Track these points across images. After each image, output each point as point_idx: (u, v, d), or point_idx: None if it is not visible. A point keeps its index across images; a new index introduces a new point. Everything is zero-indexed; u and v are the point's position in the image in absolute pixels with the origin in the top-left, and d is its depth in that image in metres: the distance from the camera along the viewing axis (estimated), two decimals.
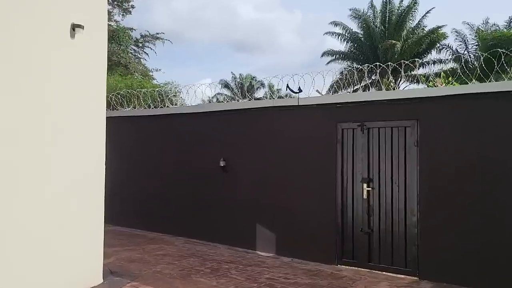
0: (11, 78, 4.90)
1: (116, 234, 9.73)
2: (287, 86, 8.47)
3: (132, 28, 32.15)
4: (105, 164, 6.25)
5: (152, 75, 33.67)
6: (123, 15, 32.93)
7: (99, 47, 6.26)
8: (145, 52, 34.91)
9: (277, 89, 22.68)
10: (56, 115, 5.43)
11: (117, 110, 11.15)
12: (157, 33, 34.03)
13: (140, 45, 34.47)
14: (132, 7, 32.94)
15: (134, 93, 10.78)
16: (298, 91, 8.30)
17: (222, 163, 9.01)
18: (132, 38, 31.99)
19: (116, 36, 30.15)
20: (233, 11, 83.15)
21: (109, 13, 32.65)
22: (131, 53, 32.88)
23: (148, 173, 10.49)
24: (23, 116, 5.02)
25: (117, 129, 10.15)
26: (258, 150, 8.72)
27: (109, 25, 32.74)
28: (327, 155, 7.78)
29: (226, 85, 44.11)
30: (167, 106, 10.65)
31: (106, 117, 6.30)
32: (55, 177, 5.44)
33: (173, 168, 10.04)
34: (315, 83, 8.36)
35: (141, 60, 34.70)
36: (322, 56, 34.92)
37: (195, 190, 9.62)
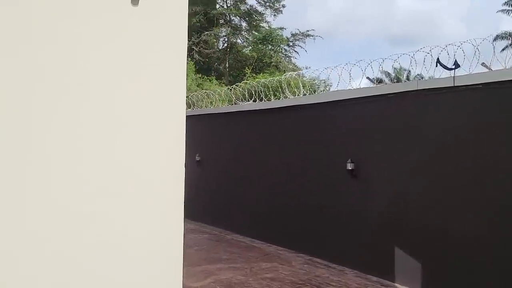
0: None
1: (229, 246, 8.51)
2: (438, 61, 6.12)
3: (282, 28, 31.70)
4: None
5: (302, 73, 32.89)
6: (274, 15, 32.76)
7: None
8: (295, 51, 34.27)
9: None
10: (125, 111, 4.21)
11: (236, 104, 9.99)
12: (308, 31, 33.01)
13: (291, 44, 33.93)
14: (283, 6, 32.54)
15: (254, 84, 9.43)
16: (453, 67, 5.91)
17: (349, 166, 7.05)
18: (283, 38, 31.62)
19: (269, 38, 30.10)
20: (391, 4, 77.87)
21: (261, 14, 32.78)
22: (281, 52, 32.54)
23: (258, 177, 9.07)
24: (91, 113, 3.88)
25: (224, 127, 8.96)
26: (397, 149, 6.55)
27: (261, 27, 33.11)
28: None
29: (380, 81, 40.83)
30: (281, 98, 9.06)
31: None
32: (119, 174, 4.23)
33: (289, 171, 8.42)
34: (482, 56, 5.87)
35: (291, 59, 34.15)
36: (495, 40, 29.50)
37: (316, 199, 7.84)
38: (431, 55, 6.48)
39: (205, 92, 11.09)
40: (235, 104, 10.13)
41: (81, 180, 2.06)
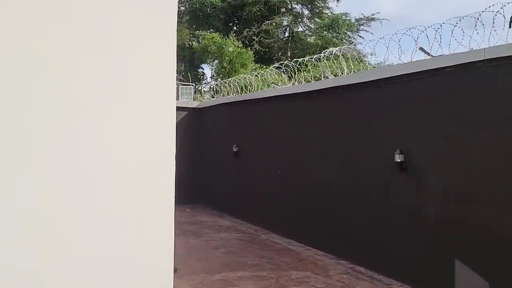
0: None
1: (261, 248, 7.49)
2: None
3: (346, 13, 30.01)
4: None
5: (367, 60, 31.08)
6: (337, 0, 31.09)
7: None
8: (360, 36, 32.40)
9: None
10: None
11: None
12: (372, 14, 30.97)
13: (355, 29, 32.11)
14: None
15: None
16: None
17: (398, 158, 5.75)
18: (351, 23, 29.98)
19: (335, 24, 28.72)
20: None
21: (324, 0, 31.21)
22: (345, 39, 30.88)
23: (296, 170, 7.93)
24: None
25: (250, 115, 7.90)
26: (457, 137, 5.18)
27: (324, 13, 31.59)
28: None
29: None
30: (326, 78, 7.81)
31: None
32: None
33: (329, 164, 7.22)
34: None
35: (356, 45, 32.32)
36: None
37: (360, 197, 6.60)
38: (503, 15, 5.02)
39: (244, 76, 10.08)
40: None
41: (60, 177, 1.78)
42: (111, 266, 1.82)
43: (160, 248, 1.91)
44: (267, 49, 29.02)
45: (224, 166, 10.78)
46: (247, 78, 9.83)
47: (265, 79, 9.31)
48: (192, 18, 28.05)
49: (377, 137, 6.30)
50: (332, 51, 7.40)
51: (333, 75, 7.54)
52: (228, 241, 7.85)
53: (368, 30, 31.45)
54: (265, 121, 9.24)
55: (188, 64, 25.82)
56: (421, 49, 5.73)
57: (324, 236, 7.35)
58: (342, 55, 7.41)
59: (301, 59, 8.17)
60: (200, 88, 11.81)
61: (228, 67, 17.85)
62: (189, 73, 18.75)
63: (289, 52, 30.13)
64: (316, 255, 7.15)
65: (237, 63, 17.88)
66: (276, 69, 10.00)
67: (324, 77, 7.72)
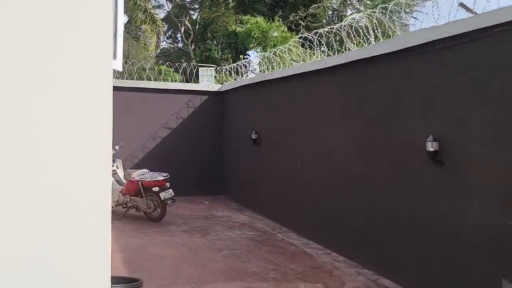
0: None
1: (272, 251, 6.44)
2: None
3: None
4: None
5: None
6: None
7: None
8: (414, 17, 30.13)
9: None
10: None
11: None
12: None
13: (408, 10, 29.89)
14: None
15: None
16: None
17: (430, 146, 4.49)
18: (406, 1, 27.86)
19: (387, 3, 26.90)
20: None
21: None
22: (397, 21, 28.80)
23: (316, 160, 6.78)
24: None
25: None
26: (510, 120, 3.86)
27: None
28: None
29: None
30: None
31: None
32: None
33: (351, 153, 6.03)
34: None
35: (409, 27, 30.15)
36: None
37: (386, 194, 5.38)
38: None
39: (264, 54, 8.97)
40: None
41: None
42: (33, 272, 1.58)
43: (92, 253, 1.64)
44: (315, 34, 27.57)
45: (244, 155, 9.78)
46: (266, 55, 8.72)
47: (284, 56, 8.16)
48: (238, 4, 27.14)
49: (406, 120, 5.04)
50: (355, 18, 6.12)
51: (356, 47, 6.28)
52: (236, 241, 6.86)
53: (421, 11, 29.13)
54: (283, 104, 8.12)
55: (234, 51, 24.96)
56: (461, 4, 4.39)
57: (345, 238, 6.19)
58: (369, 22, 6.11)
59: (322, 30, 6.94)
60: (221, 69, 10.74)
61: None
62: (231, 60, 17.85)
63: (337, 36, 28.54)
64: (335, 261, 6.02)
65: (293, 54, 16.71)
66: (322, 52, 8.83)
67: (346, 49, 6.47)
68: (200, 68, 11.16)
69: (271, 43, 17.38)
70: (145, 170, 8.21)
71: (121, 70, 4.00)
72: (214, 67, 11.15)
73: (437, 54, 4.64)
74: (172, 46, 43.44)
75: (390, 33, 5.86)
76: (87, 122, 1.74)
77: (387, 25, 5.50)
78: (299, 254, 6.35)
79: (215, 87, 10.99)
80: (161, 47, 42.77)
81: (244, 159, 9.82)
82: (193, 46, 39.58)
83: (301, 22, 26.34)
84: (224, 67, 10.86)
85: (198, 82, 11.35)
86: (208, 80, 11.01)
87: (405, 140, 5.00)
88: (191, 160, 10.86)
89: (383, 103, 5.45)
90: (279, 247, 6.68)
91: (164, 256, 5.94)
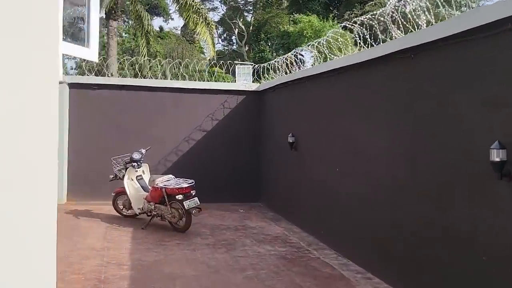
0: None
1: (302, 273, 5.57)
2: None
3: None
4: None
5: None
6: None
7: None
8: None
9: None
10: None
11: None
12: None
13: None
14: None
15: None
16: None
17: (495, 155, 3.46)
18: None
19: None
20: None
21: None
22: (460, 10, 26.88)
23: (362, 168, 5.82)
24: None
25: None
26: None
27: None
28: None
29: None
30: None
31: None
32: None
33: (398, 159, 5.04)
34: None
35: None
36: None
37: (445, 213, 4.36)
38: None
39: (301, 49, 8.11)
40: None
41: None
42: None
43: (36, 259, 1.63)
44: (371, 31, 26.36)
45: (281, 160, 8.94)
46: (303, 50, 7.86)
47: (322, 48, 7.25)
48: (292, 3, 26.48)
49: (464, 122, 4.01)
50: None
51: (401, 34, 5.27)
52: (264, 259, 6.05)
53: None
54: (321, 104, 7.22)
55: (287, 51, 24.31)
56: None
57: (390, 260, 5.21)
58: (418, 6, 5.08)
59: (364, 17, 5.99)
60: (260, 67, 9.98)
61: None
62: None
63: (381, 25, 27.04)
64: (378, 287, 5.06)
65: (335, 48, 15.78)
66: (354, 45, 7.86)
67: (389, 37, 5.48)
68: (236, 66, 10.47)
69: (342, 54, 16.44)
70: (170, 176, 7.60)
71: (96, 60, 3.32)
72: (252, 64, 10.39)
73: (502, 36, 3.59)
74: (226, 48, 43.44)
75: (445, 17, 4.82)
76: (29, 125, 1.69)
77: (440, 4, 4.47)
78: (334, 278, 5.43)
79: (253, 86, 10.25)
80: (216, 49, 42.96)
81: (281, 164, 8.99)
82: (246, 48, 39.25)
83: (357, 21, 25.15)
84: (263, 64, 10.05)
85: (235, 81, 10.66)
86: (245, 79, 10.29)
87: (462, 146, 3.98)
88: (227, 165, 10.18)
89: (435, 101, 4.43)
90: (312, 268, 5.79)
91: (177, 276, 5.24)
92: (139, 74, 12.00)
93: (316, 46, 7.43)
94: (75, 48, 3.11)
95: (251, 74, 10.42)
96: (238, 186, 10.22)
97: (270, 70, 9.04)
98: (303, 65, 7.76)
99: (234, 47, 42.68)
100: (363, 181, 5.87)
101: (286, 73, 8.97)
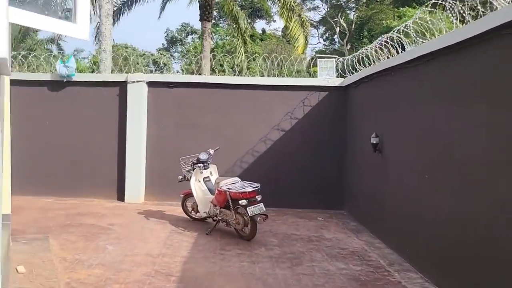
0: None
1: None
2: None
3: None
4: None
5: None
6: None
7: None
8: None
9: None
10: None
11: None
12: None
13: None
14: None
15: None
16: None
17: None
18: None
19: None
20: None
21: None
22: None
23: (456, 177, 4.64)
24: None
25: None
26: None
27: None
28: None
29: None
30: None
31: None
32: None
33: (503, 168, 3.85)
34: None
35: None
36: None
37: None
38: None
39: (389, 36, 7.01)
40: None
41: None
42: None
43: None
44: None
45: (365, 163, 7.90)
46: (390, 36, 6.77)
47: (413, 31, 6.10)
48: None
49: None
50: None
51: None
52: (331, 280, 5.16)
53: None
54: (408, 98, 6.09)
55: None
56: None
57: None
58: None
59: None
60: (345, 60, 9.00)
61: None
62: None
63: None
64: None
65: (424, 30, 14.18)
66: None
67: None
68: (318, 60, 9.57)
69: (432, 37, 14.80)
70: (236, 178, 7.00)
71: (86, 38, 2.75)
72: (335, 57, 9.42)
73: None
74: (327, 47, 42.34)
75: None
76: None
77: None
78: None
79: (336, 81, 9.28)
80: (317, 49, 42.05)
81: (364, 168, 7.94)
82: (348, 46, 37.78)
83: (471, 13, 22.68)
84: (347, 57, 9.05)
85: (317, 76, 9.76)
86: (328, 74, 9.36)
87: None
88: (307, 168, 9.35)
89: None
90: None
91: None
92: (236, 75, 11.63)
93: (403, 30, 6.30)
94: (55, 23, 2.59)
95: (334, 68, 9.46)
96: (319, 191, 9.34)
97: (364, 60, 8.00)
98: (401, 50, 6.61)
99: (336, 46, 41.43)
100: (456, 193, 4.70)
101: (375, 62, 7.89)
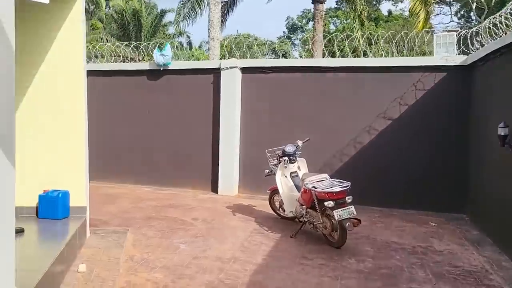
0: None
1: None
2: None
3: None
4: None
5: None
6: None
7: None
8: None
9: None
10: None
11: None
12: None
13: None
14: None
15: None
16: None
17: None
18: None
19: None
20: None
21: None
22: None
23: None
24: None
25: None
26: None
27: None
28: None
29: None
30: None
31: None
32: None
33: None
34: None
35: None
36: None
37: None
38: None
39: None
40: None
41: None
42: None
43: None
44: None
45: (491, 159, 6.36)
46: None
47: None
48: None
49: None
50: None
51: None
52: None
53: None
54: None
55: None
56: None
57: None
58: None
59: None
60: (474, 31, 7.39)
61: None
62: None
63: None
64: None
65: None
66: None
67: None
68: (435, 36, 8.02)
69: None
70: (324, 175, 6.04)
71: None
72: (456, 31, 7.80)
73: None
74: (461, 25, 38.18)
75: None
76: None
77: None
78: None
79: (457, 59, 7.68)
80: (449, 28, 38.19)
81: (490, 165, 6.40)
82: None
83: None
84: (472, 29, 7.42)
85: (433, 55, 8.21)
86: (447, 51, 7.80)
87: None
88: (420, 162, 7.98)
89: None
90: None
91: None
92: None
93: None
94: None
95: (456, 44, 7.84)
96: (434, 190, 7.91)
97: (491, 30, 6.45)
98: None
99: (472, 23, 37.14)
100: None
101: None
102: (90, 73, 10.42)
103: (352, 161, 8.33)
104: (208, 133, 9.35)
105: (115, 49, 10.93)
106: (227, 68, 9.00)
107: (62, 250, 4.40)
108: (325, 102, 8.54)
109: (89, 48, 10.40)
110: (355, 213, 5.49)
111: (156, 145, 9.79)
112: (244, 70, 9.06)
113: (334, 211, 5.41)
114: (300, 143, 6.76)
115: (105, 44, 11.46)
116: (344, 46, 9.70)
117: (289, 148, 6.58)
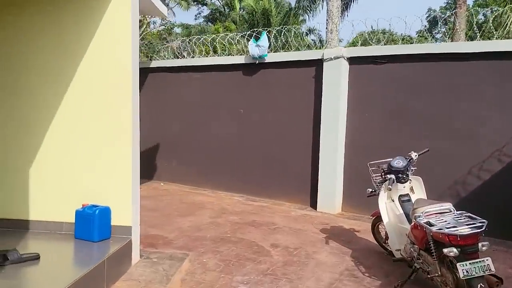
0: None
1: None
2: None
3: None
4: None
5: None
6: None
7: None
8: None
9: None
10: None
11: None
12: None
13: None
14: None
15: None
16: None
17: None
18: None
19: None
20: None
21: None
22: None
23: None
24: None
25: None
26: None
27: None
28: None
29: None
30: None
31: None
32: None
33: None
34: None
35: None
36: None
37: None
38: None
39: None
40: None
41: None
42: None
43: None
44: None
45: None
46: None
47: None
48: None
49: None
50: None
51: None
52: None
53: None
54: None
55: None
56: None
57: None
58: None
59: None
60: None
61: None
62: None
63: None
64: None
65: None
66: None
67: None
68: None
69: None
70: (447, 205, 4.13)
71: None
72: None
73: None
74: None
75: None
76: None
77: None
78: None
79: None
80: None
81: None
82: None
83: None
84: None
85: None
86: None
87: None
88: None
89: None
90: None
91: None
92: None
93: None
94: None
95: None
96: None
97: None
98: None
99: None
100: None
101: None
102: (181, 69, 9.85)
103: (496, 180, 6.12)
104: (307, 137, 7.87)
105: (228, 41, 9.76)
106: (331, 59, 7.42)
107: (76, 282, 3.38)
108: (458, 99, 6.45)
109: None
110: (492, 268, 3.54)
111: (249, 149, 8.63)
112: (352, 60, 7.38)
113: (458, 264, 3.55)
114: (414, 155, 4.91)
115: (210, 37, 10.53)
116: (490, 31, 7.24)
117: (398, 163, 4.78)
